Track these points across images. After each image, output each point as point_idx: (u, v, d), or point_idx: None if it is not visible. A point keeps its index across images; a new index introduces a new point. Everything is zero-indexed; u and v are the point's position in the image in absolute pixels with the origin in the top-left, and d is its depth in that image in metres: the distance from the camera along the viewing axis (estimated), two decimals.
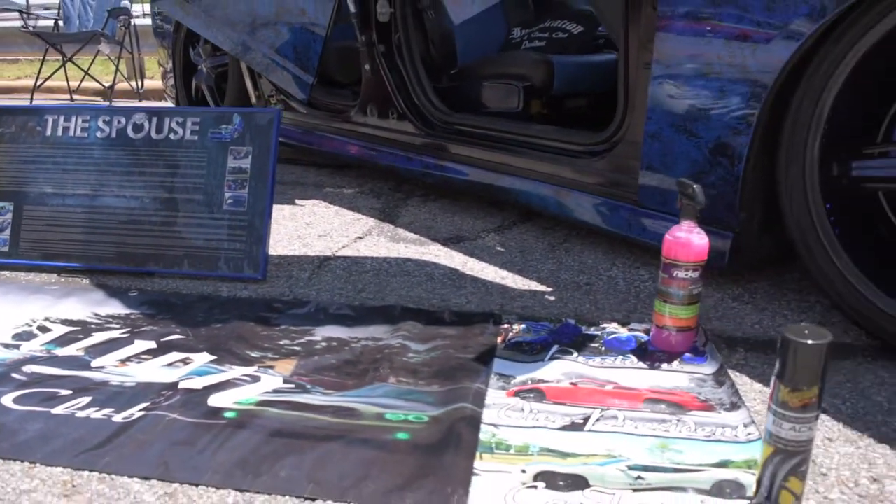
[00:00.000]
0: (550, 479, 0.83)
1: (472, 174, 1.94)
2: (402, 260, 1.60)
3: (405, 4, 2.16)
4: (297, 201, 2.15)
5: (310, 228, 1.86)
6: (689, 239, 1.13)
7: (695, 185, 1.12)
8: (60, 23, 4.77)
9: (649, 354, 1.15)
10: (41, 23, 4.96)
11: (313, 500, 0.80)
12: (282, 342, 1.19)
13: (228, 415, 0.97)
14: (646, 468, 0.85)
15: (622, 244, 1.65)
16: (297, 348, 1.17)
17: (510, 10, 2.57)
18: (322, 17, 2.23)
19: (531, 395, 1.01)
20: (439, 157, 2.05)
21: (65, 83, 4.90)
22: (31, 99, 4.56)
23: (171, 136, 1.49)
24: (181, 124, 1.48)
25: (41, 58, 4.74)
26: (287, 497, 0.81)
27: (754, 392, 1.06)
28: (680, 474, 0.84)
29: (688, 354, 1.15)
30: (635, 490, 0.81)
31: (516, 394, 1.02)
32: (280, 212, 2.03)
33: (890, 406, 1.03)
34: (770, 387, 0.76)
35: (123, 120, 1.51)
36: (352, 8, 2.18)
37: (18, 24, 5.02)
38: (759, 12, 1.23)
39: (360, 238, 1.77)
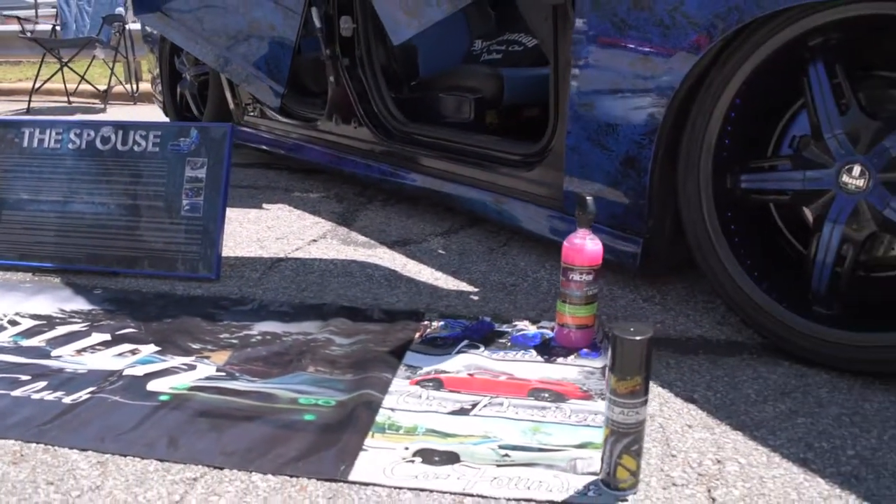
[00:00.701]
0: (427, 456, 0.95)
1: (421, 181, 2.07)
2: (347, 262, 1.73)
3: (367, 20, 2.29)
4: (264, 205, 2.28)
5: (270, 231, 2.00)
6: (583, 245, 1.25)
7: (587, 198, 1.25)
8: (58, 28, 4.93)
9: (550, 349, 1.27)
10: (41, 27, 5.12)
11: (221, 468, 0.94)
12: (222, 336, 1.32)
13: (163, 398, 1.10)
14: (514, 447, 0.98)
15: (556, 248, 1.77)
16: (235, 341, 1.30)
17: (473, 23, 2.70)
18: (290, 32, 2.37)
19: (430, 384, 1.14)
20: (394, 164, 2.18)
21: (63, 86, 5.07)
22: (30, 101, 4.73)
23: (135, 147, 1.62)
24: (144, 137, 1.62)
25: (40, 61, 4.90)
26: (199, 465, 0.94)
27: (670, 385, 1.18)
28: (543, 453, 0.96)
29: (585, 350, 1.27)
30: (499, 465, 0.94)
31: (418, 382, 1.14)
32: (246, 215, 2.16)
33: (756, 398, 1.15)
34: (605, 377, 0.88)
35: (92, 133, 1.65)
36: (317, 23, 2.31)
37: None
38: (657, 38, 1.36)
39: (315, 241, 1.91)
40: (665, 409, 1.10)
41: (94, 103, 5.04)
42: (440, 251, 1.82)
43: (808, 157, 1.23)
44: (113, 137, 1.62)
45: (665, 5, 1.33)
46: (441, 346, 1.28)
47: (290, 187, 2.54)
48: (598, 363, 1.22)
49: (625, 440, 0.86)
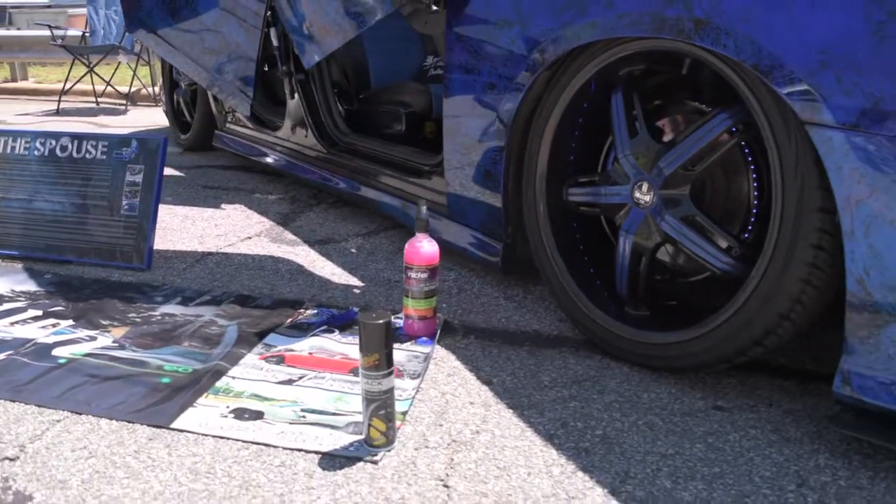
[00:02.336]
0: (240, 413, 1.18)
1: (351, 186, 2.30)
2: (265, 257, 1.98)
3: None
4: (222, 205, 2.56)
5: (215, 229, 2.26)
6: (420, 247, 1.45)
7: (422, 207, 1.45)
8: (87, 35, 5.39)
9: (395, 336, 1.48)
10: (71, 33, 5.60)
11: (80, 413, 1.19)
12: (129, 315, 1.59)
13: (61, 361, 1.37)
14: (312, 411, 1.19)
15: (449, 250, 1.97)
16: (138, 319, 1.56)
17: (426, 39, 2.90)
18: (252, 50, 2.63)
19: (274, 360, 1.36)
20: (332, 171, 2.42)
21: (93, 88, 5.52)
22: (59, 102, 5.19)
23: (87, 155, 1.91)
24: (94, 146, 1.90)
25: (70, 66, 5.36)
26: (66, 411, 1.19)
27: (452, 366, 1.37)
28: (333, 417, 1.18)
29: (423, 338, 1.47)
30: (291, 423, 1.16)
31: (265, 358, 1.38)
32: (202, 213, 2.44)
33: (548, 384, 1.31)
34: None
35: (54, 142, 1.94)
36: (274, 42, 2.57)
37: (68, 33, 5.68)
38: (500, 66, 1.55)
39: (249, 238, 2.16)
40: (460, 389, 1.29)
41: (120, 104, 5.48)
42: (353, 250, 2.05)
43: (612, 175, 1.40)
44: (70, 146, 1.92)
45: (506, 40, 1.52)
46: (303, 329, 1.50)
47: (255, 189, 2.81)
48: (426, 349, 1.42)
49: (373, 405, 1.06)
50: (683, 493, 1.01)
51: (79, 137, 1.93)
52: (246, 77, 2.70)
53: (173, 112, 3.69)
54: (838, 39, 1.01)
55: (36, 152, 1.96)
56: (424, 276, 1.46)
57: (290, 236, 2.18)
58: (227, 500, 0.99)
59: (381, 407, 1.08)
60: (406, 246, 1.48)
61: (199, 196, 2.70)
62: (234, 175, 3.04)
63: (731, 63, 1.16)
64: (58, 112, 5.01)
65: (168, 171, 3.15)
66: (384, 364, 1.06)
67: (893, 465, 1.08)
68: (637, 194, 1.35)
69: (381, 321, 1.04)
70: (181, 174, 3.08)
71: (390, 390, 1.08)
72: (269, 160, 2.84)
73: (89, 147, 1.90)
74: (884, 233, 1.00)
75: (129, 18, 2.96)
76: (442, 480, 1.03)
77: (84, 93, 5.67)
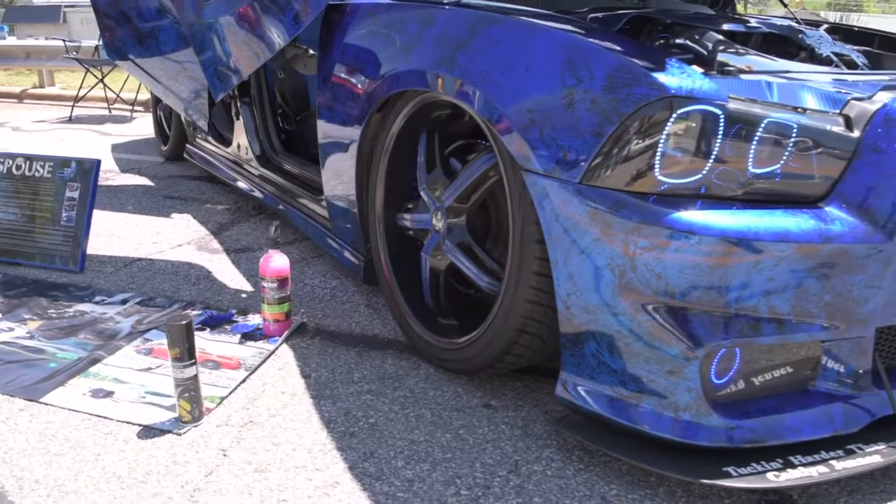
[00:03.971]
0: (96, 392, 1.49)
1: (270, 200, 2.60)
2: (183, 263, 2.29)
3: (259, 68, 2.83)
4: (172, 214, 2.89)
5: (156, 236, 2.59)
6: (271, 261, 1.73)
7: (272, 228, 1.72)
8: (101, 46, 5.85)
9: (253, 335, 1.76)
10: (86, 44, 6.09)
11: None
12: (49, 311, 1.91)
13: None
14: (154, 393, 1.49)
15: (339, 265, 2.23)
16: (54, 315, 1.88)
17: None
18: (204, 78, 2.95)
19: (144, 352, 1.67)
20: (261, 186, 2.71)
21: (105, 95, 5.99)
22: (73, 109, 5.66)
23: (36, 174, 2.26)
24: (42, 166, 2.25)
25: (83, 76, 5.84)
26: None
27: (285, 362, 1.64)
28: (166, 398, 1.47)
29: (275, 337, 1.75)
30: (132, 402, 1.45)
31: (139, 350, 1.68)
32: (150, 222, 2.77)
33: (349, 379, 1.58)
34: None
35: (10, 161, 2.30)
36: None
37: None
38: (350, 107, 1.81)
39: (179, 246, 2.48)
40: (280, 381, 1.57)
41: (127, 113, 5.93)
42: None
43: (420, 205, 1.65)
44: (23, 165, 2.27)
45: (353, 83, 1.78)
46: None
47: (209, 199, 3.14)
48: (272, 347, 1.70)
49: (179, 389, 1.35)
50: (408, 472, 1.27)
51: (31, 158, 2.28)
52: (202, 100, 3.04)
53: (157, 126, 4.07)
54: (542, 101, 1.25)
55: None
56: (275, 285, 1.74)
57: (215, 245, 2.49)
58: (57, 456, 1.29)
59: (185, 391, 1.36)
60: (261, 260, 1.76)
61: (158, 205, 3.04)
62: (198, 186, 3.38)
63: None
64: (70, 120, 5.49)
65: (142, 180, 3.53)
66: (185, 356, 1.34)
67: (606, 461, 1.31)
68: (434, 221, 1.60)
69: (183, 323, 1.33)
70: (152, 184, 3.44)
71: (194, 377, 1.36)
72: (221, 174, 3.17)
73: (38, 167, 2.25)
74: (577, 262, 1.23)
75: (106, 45, 3.33)
76: (223, 450, 1.31)
77: (102, 99, 6.15)
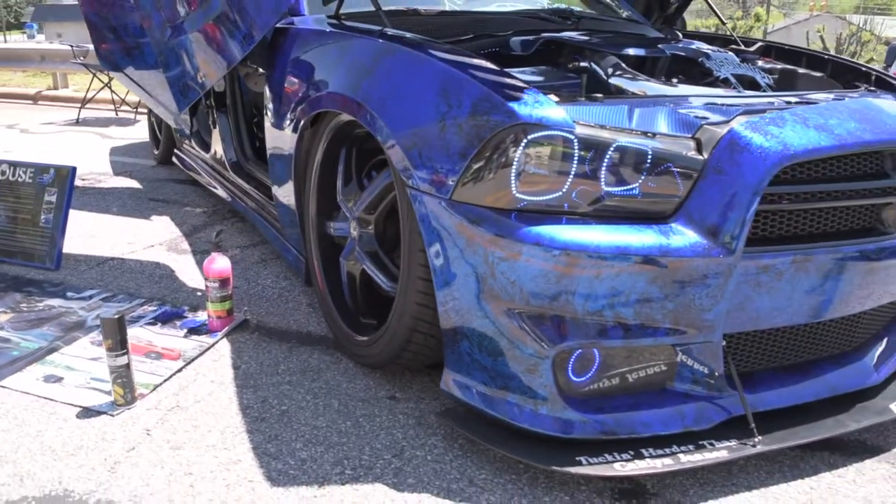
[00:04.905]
0: (48, 378, 1.67)
1: (237, 205, 2.78)
2: (151, 263, 2.48)
3: (234, 80, 3.01)
4: (152, 216, 3.09)
5: (133, 237, 2.79)
6: (213, 263, 1.90)
7: (215, 232, 1.89)
8: None
9: (198, 330, 1.94)
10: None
11: None
12: (21, 304, 2.11)
13: None
14: (98, 379, 1.67)
15: (286, 266, 2.40)
16: (26, 309, 2.08)
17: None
18: None
19: (98, 343, 1.85)
20: (229, 190, 2.90)
21: (111, 98, 6.25)
22: (80, 111, 5.93)
23: (19, 179, 2.46)
24: (24, 172, 2.45)
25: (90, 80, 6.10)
26: None
27: (221, 354, 1.81)
28: (107, 384, 1.64)
29: (218, 332, 1.92)
30: (78, 386, 1.63)
31: (93, 342, 1.86)
32: (129, 223, 2.97)
33: (275, 371, 1.75)
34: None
35: None
36: None
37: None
38: (287, 119, 1.97)
39: (151, 246, 2.67)
40: (212, 371, 1.74)
41: (133, 114, 6.19)
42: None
43: (342, 213, 1.81)
44: (7, 171, 2.48)
45: (291, 99, 1.94)
46: (134, 321, 1.98)
47: (190, 202, 3.33)
48: (212, 341, 1.87)
49: (113, 375, 1.53)
50: (303, 453, 1.43)
51: (14, 164, 2.49)
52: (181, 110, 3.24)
53: (151, 130, 4.29)
54: (421, 125, 1.40)
55: None
56: (217, 285, 1.91)
57: (185, 246, 2.68)
58: (4, 432, 1.48)
59: (119, 377, 1.54)
60: (205, 262, 1.93)
61: (141, 207, 3.25)
62: (182, 189, 3.58)
63: None
64: (77, 122, 5.76)
65: (131, 183, 3.74)
66: (117, 347, 1.52)
67: (484, 450, 1.45)
68: (351, 230, 1.76)
69: (115, 317, 1.50)
70: (140, 187, 3.65)
71: (125, 365, 1.54)
72: (201, 178, 3.37)
73: (20, 172, 2.46)
74: (450, 270, 1.38)
75: (100, 56, 3.54)
76: (147, 430, 1.49)
77: (110, 101, 6.42)
